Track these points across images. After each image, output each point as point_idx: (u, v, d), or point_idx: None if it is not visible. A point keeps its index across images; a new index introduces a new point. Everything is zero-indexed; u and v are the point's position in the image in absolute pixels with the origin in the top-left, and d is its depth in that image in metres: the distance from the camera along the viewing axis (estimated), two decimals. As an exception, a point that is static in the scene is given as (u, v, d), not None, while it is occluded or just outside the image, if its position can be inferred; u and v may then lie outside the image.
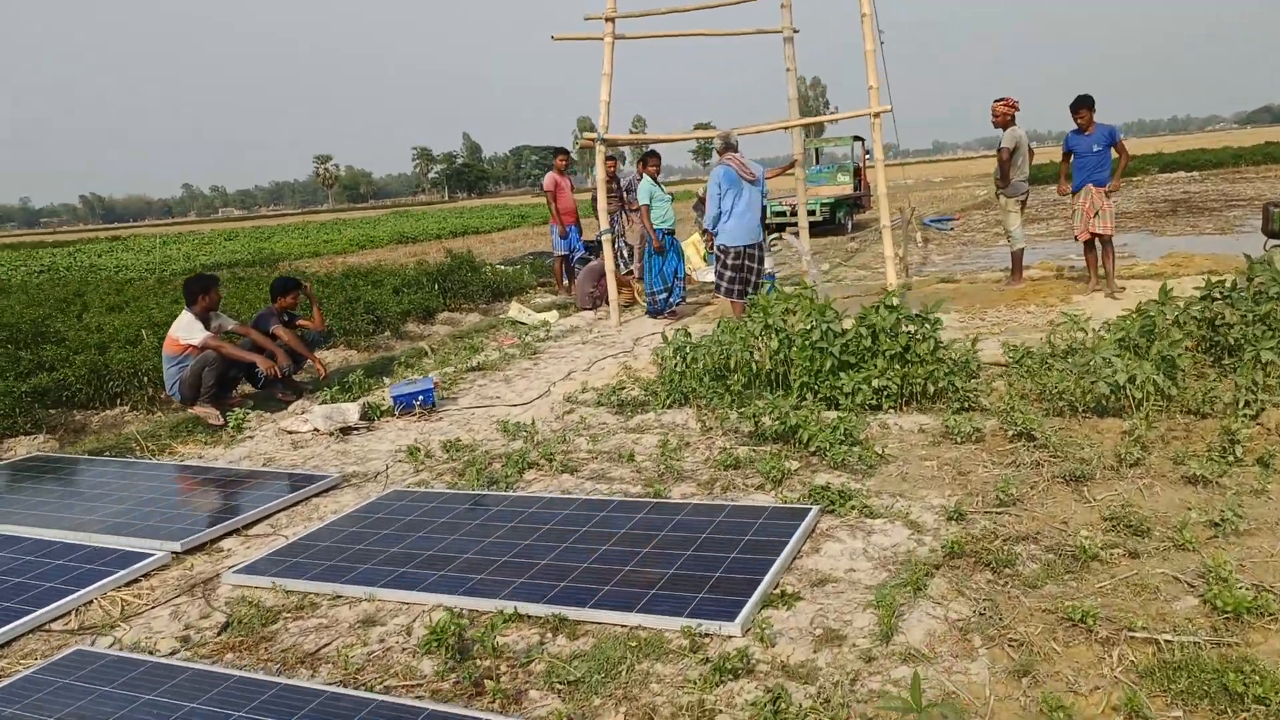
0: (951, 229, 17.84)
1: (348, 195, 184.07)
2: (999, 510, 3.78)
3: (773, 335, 5.71)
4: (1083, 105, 8.21)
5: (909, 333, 5.47)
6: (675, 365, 5.96)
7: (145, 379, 6.62)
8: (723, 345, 5.92)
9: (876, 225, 20.73)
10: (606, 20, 9.08)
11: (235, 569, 3.69)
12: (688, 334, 6.21)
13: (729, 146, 8.09)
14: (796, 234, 11.01)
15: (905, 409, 5.40)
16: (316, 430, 5.66)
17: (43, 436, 6.06)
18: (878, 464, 4.46)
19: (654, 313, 9.56)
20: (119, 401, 6.75)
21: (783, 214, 19.21)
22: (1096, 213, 8.10)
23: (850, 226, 19.40)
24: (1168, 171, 30.06)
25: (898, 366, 5.37)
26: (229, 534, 4.17)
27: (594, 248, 11.51)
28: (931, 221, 19.01)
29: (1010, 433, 4.63)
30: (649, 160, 9.49)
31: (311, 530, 4.07)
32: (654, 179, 9.49)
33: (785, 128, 9.40)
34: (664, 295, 9.47)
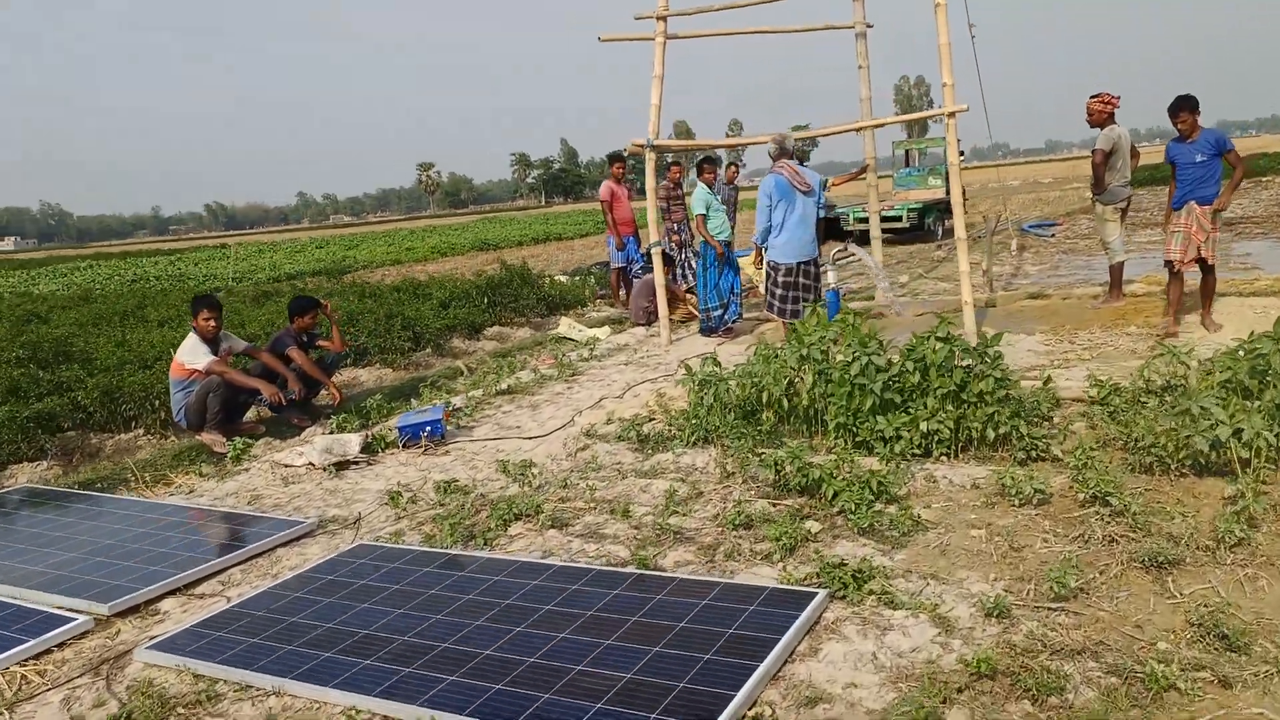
0: (1053, 235, 16.53)
1: (449, 201, 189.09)
2: (1054, 606, 3.03)
3: (809, 367, 5.02)
4: (1182, 108, 7.01)
5: (966, 367, 4.70)
6: (700, 399, 5.33)
7: (157, 402, 6.40)
8: (754, 378, 5.27)
9: (972, 232, 19.52)
10: (658, 19, 8.51)
11: (151, 643, 3.27)
12: (716, 363, 5.57)
13: (784, 152, 7.40)
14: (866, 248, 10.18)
15: (959, 457, 4.64)
16: (311, 465, 5.28)
17: (46, 463, 5.89)
18: (913, 530, 3.74)
19: (708, 330, 8.92)
20: (133, 425, 6.56)
21: (866, 220, 18.23)
22: (1206, 237, 6.95)
23: (940, 233, 18.25)
24: (1304, 170, 27.44)
25: (950, 408, 4.61)
26: (170, 593, 3.78)
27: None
28: (1031, 227, 17.70)
29: (1082, 495, 3.83)
30: (704, 167, 8.87)
31: (253, 594, 3.64)
32: (710, 186, 8.86)
33: (842, 131, 8.62)
34: (719, 312, 8.82)
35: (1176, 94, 7.06)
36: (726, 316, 8.88)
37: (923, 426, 4.56)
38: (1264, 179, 26.79)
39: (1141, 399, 5.15)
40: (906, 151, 20.94)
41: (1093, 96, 8.01)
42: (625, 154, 8.75)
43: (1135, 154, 8.21)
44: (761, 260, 7.61)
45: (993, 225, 10.09)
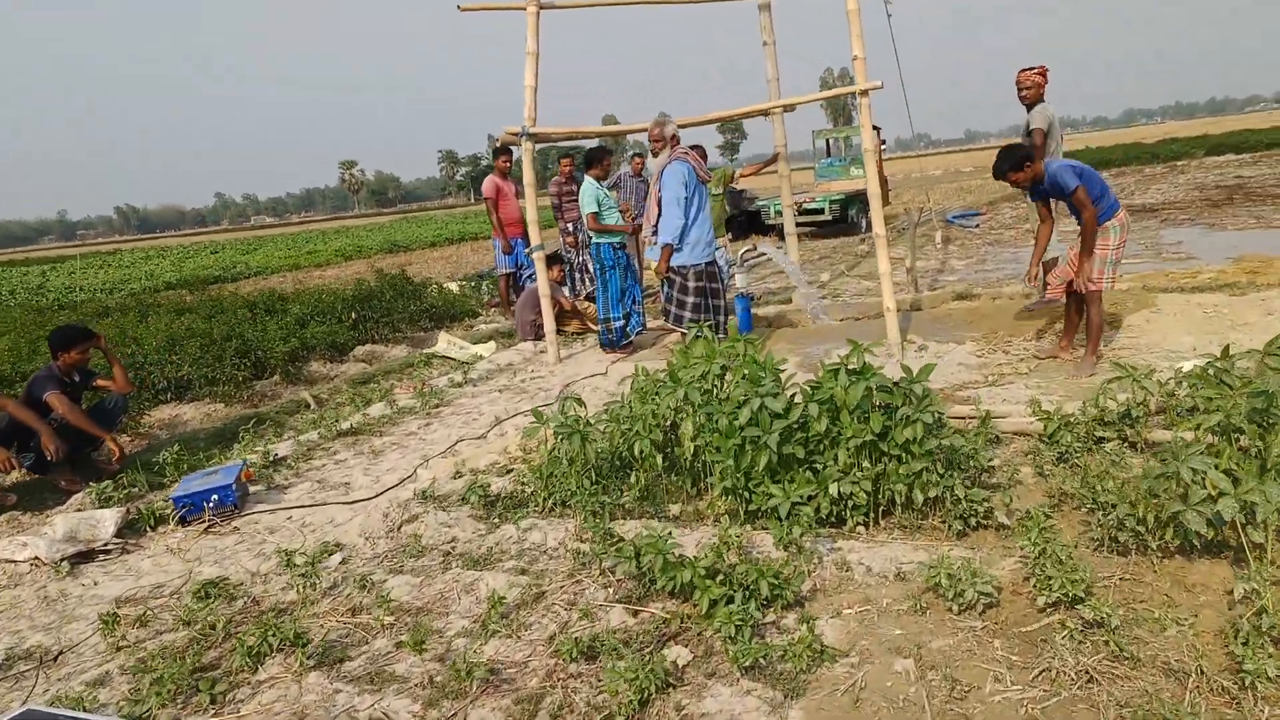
0: (978, 226, 15.86)
1: (376, 200, 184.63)
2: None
3: (690, 412, 3.93)
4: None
5: (885, 408, 3.66)
6: (557, 454, 4.18)
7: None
8: (623, 423, 4.16)
9: (895, 224, 18.82)
10: (531, -13, 7.33)
11: None
12: (579, 402, 4.43)
13: (674, 139, 6.32)
14: (780, 247, 9.20)
15: (880, 523, 3.60)
16: (37, 560, 3.98)
17: None
18: (815, 664, 2.66)
19: (608, 344, 7.80)
20: None
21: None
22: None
23: (864, 226, 17.47)
24: (1215, 155, 27.66)
25: (867, 464, 3.56)
26: None
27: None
28: (955, 218, 17.03)
29: (1042, 598, 2.81)
30: (594, 161, 7.72)
31: None
32: (599, 182, 7.73)
33: (744, 115, 7.57)
34: (620, 324, 7.70)
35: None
36: (629, 329, 7.77)
37: (832, 489, 3.50)
38: (1178, 163, 26.87)
39: (1097, 433, 4.20)
40: (828, 141, 20.14)
41: (1025, 69, 7.10)
42: (496, 141, 7.56)
43: (1061, 137, 7.33)
44: (665, 267, 6.52)
45: (915, 219, 9.18)
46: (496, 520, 4.12)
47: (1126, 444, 4.15)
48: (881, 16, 8.72)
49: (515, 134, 7.45)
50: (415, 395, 6.71)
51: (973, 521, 3.44)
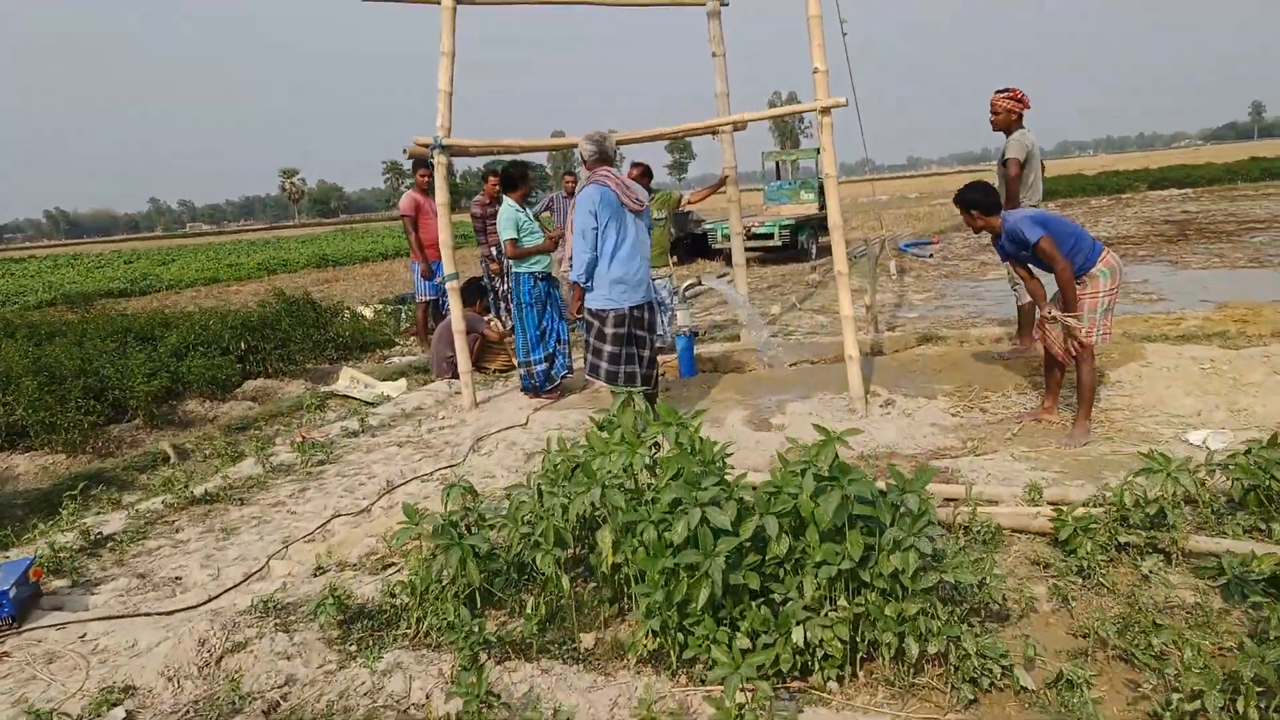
0: (930, 255, 15.27)
1: (318, 210, 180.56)
2: None
3: (609, 519, 2.98)
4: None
5: (867, 524, 2.75)
6: (431, 568, 3.17)
7: None
8: (522, 525, 3.19)
9: (849, 250, 18.20)
10: (448, -21, 6.37)
11: None
12: (469, 491, 3.44)
13: (604, 157, 5.37)
14: (725, 275, 8.33)
15: (860, 676, 2.69)
16: None
17: None
18: None
19: (529, 389, 6.82)
20: None
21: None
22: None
23: (815, 252, 16.80)
24: (1157, 189, 27.82)
25: (844, 601, 2.65)
26: None
27: (476, 288, 8.74)
28: (908, 246, 16.44)
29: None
30: (513, 180, 6.76)
31: None
32: (521, 204, 6.77)
33: (689, 132, 6.70)
34: (541, 367, 6.72)
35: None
36: (554, 371, 6.79)
37: (796, 636, 2.58)
38: (1122, 196, 26.93)
39: (1120, 536, 3.37)
40: (777, 163, 19.49)
41: (1000, 92, 6.37)
42: (406, 153, 6.56)
43: (1042, 165, 6.60)
44: (580, 307, 5.55)
45: (875, 250, 8.41)
46: (353, 648, 3.11)
47: (1159, 553, 3.32)
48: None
49: (425, 145, 6.46)
50: (294, 449, 5.63)
51: (985, 682, 2.55)
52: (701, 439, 3.10)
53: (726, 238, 16.67)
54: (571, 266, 5.40)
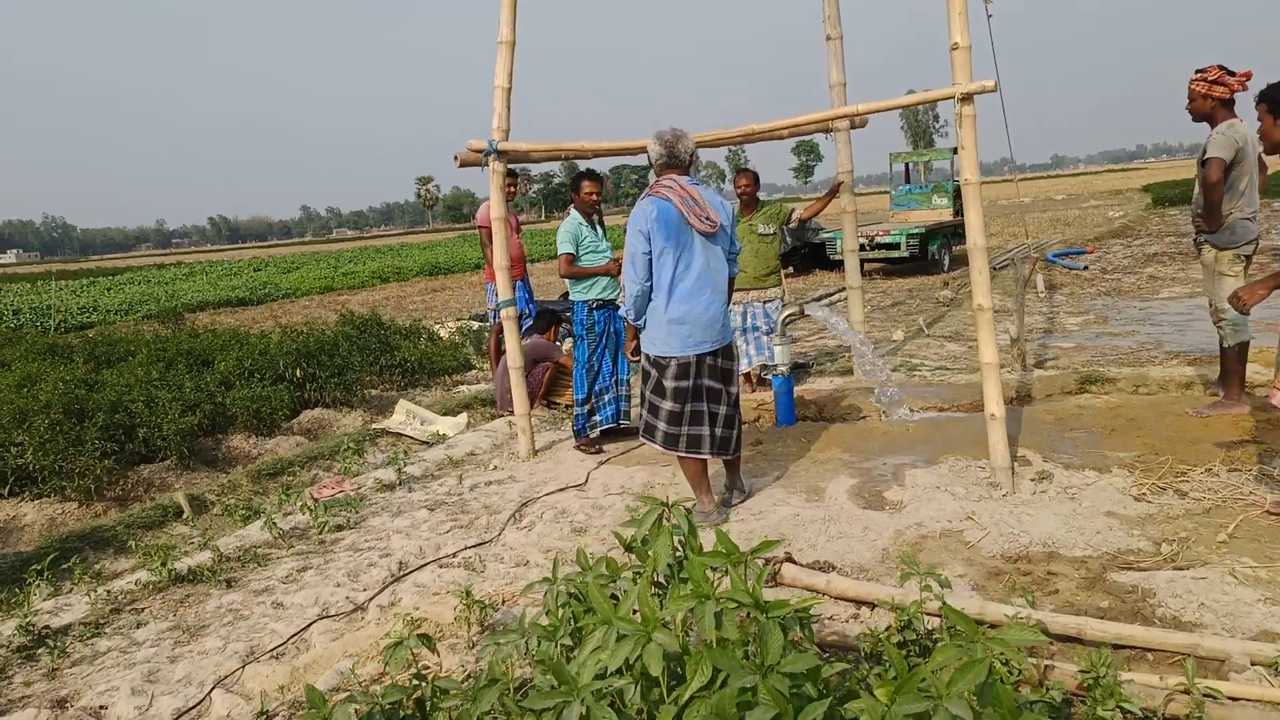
0: (1085, 268, 13.39)
1: (451, 215, 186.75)
2: None
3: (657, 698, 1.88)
4: (1259, 103, 3.77)
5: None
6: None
7: None
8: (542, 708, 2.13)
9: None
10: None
11: None
12: (473, 605, 2.40)
13: (672, 161, 4.26)
14: (832, 299, 7.09)
15: None
16: None
17: None
18: None
19: (578, 433, 5.82)
20: None
21: (862, 248, 15.10)
22: None
23: (948, 264, 15.13)
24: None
25: None
26: None
27: (548, 315, 7.81)
28: (1057, 257, 14.56)
29: None
30: (580, 185, 5.76)
31: None
32: (586, 214, 5.77)
33: (793, 129, 5.48)
34: (584, 411, 5.70)
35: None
36: (598, 418, 5.74)
37: None
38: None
39: None
40: (906, 165, 17.83)
41: (1198, 74, 4.89)
42: (457, 160, 5.63)
43: (1262, 165, 5.06)
44: (636, 349, 4.46)
45: (1025, 272, 6.95)
46: None
47: None
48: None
49: (479, 151, 5.54)
50: (311, 508, 4.79)
51: None
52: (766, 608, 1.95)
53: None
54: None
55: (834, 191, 6.72)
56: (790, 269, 16.86)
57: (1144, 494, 4.17)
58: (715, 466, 4.57)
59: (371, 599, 3.75)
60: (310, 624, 3.55)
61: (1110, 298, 10.53)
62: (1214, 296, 4.99)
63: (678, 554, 2.44)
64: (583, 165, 6.41)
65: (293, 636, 3.44)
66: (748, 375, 6.94)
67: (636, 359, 4.51)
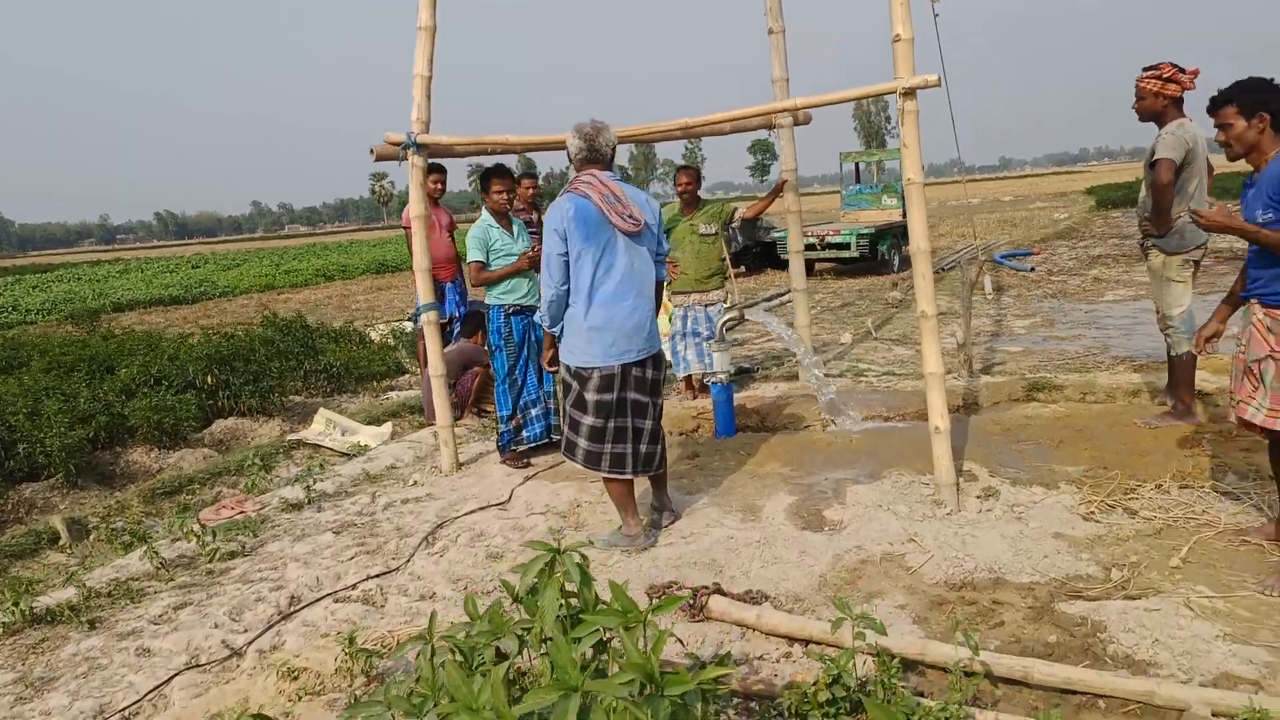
0: (1032, 269, 13.36)
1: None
2: None
3: None
4: (1226, 101, 3.25)
5: None
6: None
7: None
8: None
9: (933, 258, 16.29)
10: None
11: None
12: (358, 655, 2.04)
13: (594, 156, 3.93)
14: (781, 300, 6.83)
15: None
16: None
17: None
18: None
19: (502, 449, 5.45)
20: None
21: (812, 247, 14.96)
22: (1261, 376, 3.23)
23: (898, 264, 15.01)
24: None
25: None
26: None
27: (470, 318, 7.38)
28: (1004, 258, 14.53)
29: None
30: (489, 184, 5.37)
31: None
32: (497, 214, 5.40)
33: (733, 122, 5.17)
34: (510, 428, 5.34)
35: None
36: (525, 435, 5.38)
37: None
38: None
39: None
40: (857, 165, 17.71)
41: (1146, 70, 4.69)
42: (372, 154, 5.22)
43: (1209, 167, 4.88)
44: (554, 358, 4.13)
45: (973, 274, 6.73)
46: None
47: None
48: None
49: (396, 144, 5.15)
50: (198, 534, 4.35)
51: None
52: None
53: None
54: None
55: (778, 190, 6.44)
56: (742, 268, 16.63)
57: (1093, 513, 3.94)
58: (643, 484, 4.25)
59: (250, 643, 3.35)
60: (172, 676, 3.14)
61: (1057, 300, 10.44)
62: (1162, 303, 4.80)
63: (572, 605, 2.11)
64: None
65: (149, 693, 3.04)
66: (689, 381, 6.65)
67: (554, 369, 4.17)
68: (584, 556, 2.16)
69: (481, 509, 4.67)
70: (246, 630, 3.47)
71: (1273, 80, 3.22)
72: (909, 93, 4.04)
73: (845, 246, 14.39)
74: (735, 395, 6.52)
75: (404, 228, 7.54)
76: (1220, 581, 3.26)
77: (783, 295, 12.51)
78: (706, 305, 6.42)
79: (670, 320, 6.68)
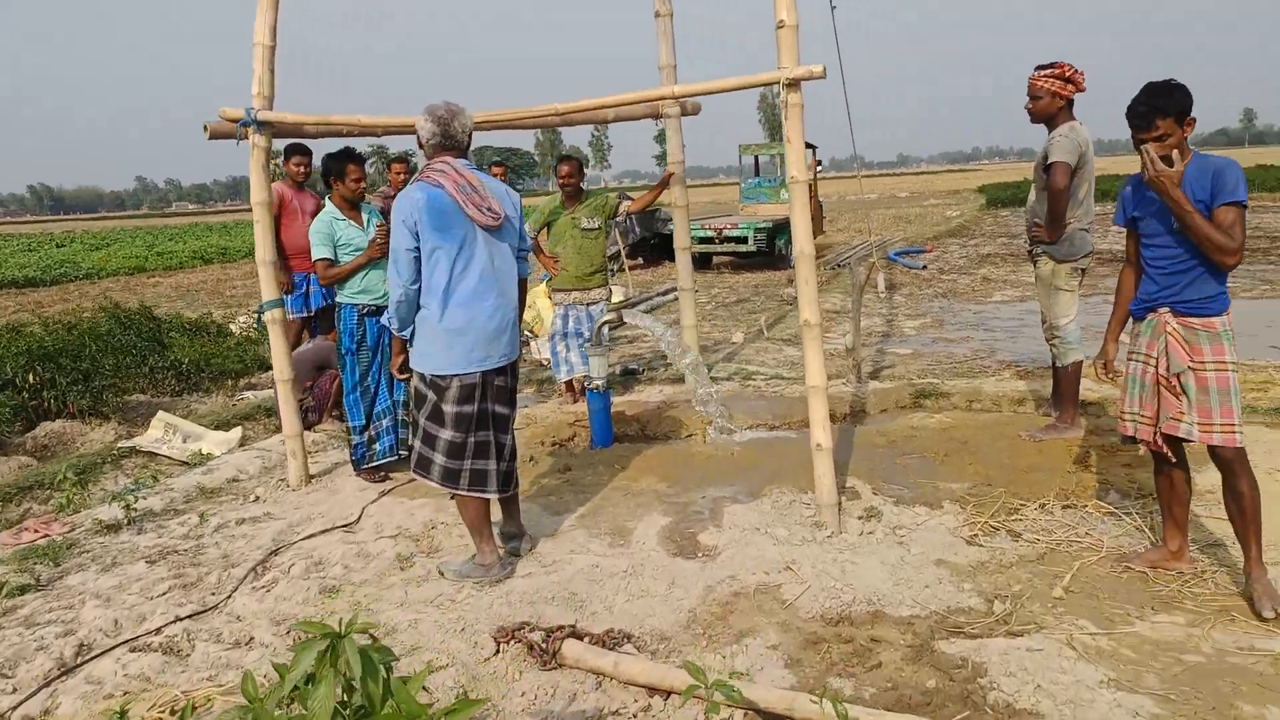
0: (924, 267, 13.49)
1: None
2: None
3: None
4: (1157, 112, 2.97)
5: None
6: None
7: None
8: None
9: (826, 254, 16.31)
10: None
11: None
12: None
13: (449, 142, 3.50)
14: (665, 298, 6.56)
15: None
16: None
17: None
18: None
19: (356, 463, 4.96)
20: None
21: (710, 240, 14.79)
22: (1183, 389, 3.07)
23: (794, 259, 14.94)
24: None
25: None
26: None
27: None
28: (898, 255, 14.66)
29: None
30: (348, 167, 4.85)
31: None
32: (348, 205, 4.90)
33: (616, 109, 4.81)
34: (363, 440, 4.86)
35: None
36: (378, 448, 4.91)
37: None
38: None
39: None
40: (756, 158, 17.63)
41: (1041, 69, 4.53)
42: (206, 131, 4.63)
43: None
44: (403, 363, 3.69)
45: (861, 278, 6.55)
46: None
47: None
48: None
49: (234, 120, 4.58)
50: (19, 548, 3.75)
51: None
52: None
53: (697, 240, 14.85)
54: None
55: (665, 183, 6.11)
56: (640, 260, 16.35)
57: (976, 535, 3.76)
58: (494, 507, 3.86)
59: (16, 707, 2.82)
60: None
61: (947, 299, 10.49)
62: (1049, 312, 4.67)
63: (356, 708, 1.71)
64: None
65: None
66: (570, 384, 6.28)
67: (405, 376, 3.73)
68: (373, 638, 1.76)
69: (325, 531, 4.19)
70: (15, 690, 2.93)
71: (1170, 81, 3.03)
72: (793, 84, 3.75)
73: (743, 240, 14.25)
74: (619, 399, 6.20)
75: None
76: (1102, 614, 3.10)
77: (666, 293, 12.26)
78: (589, 304, 6.05)
79: (551, 320, 6.30)
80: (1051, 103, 4.46)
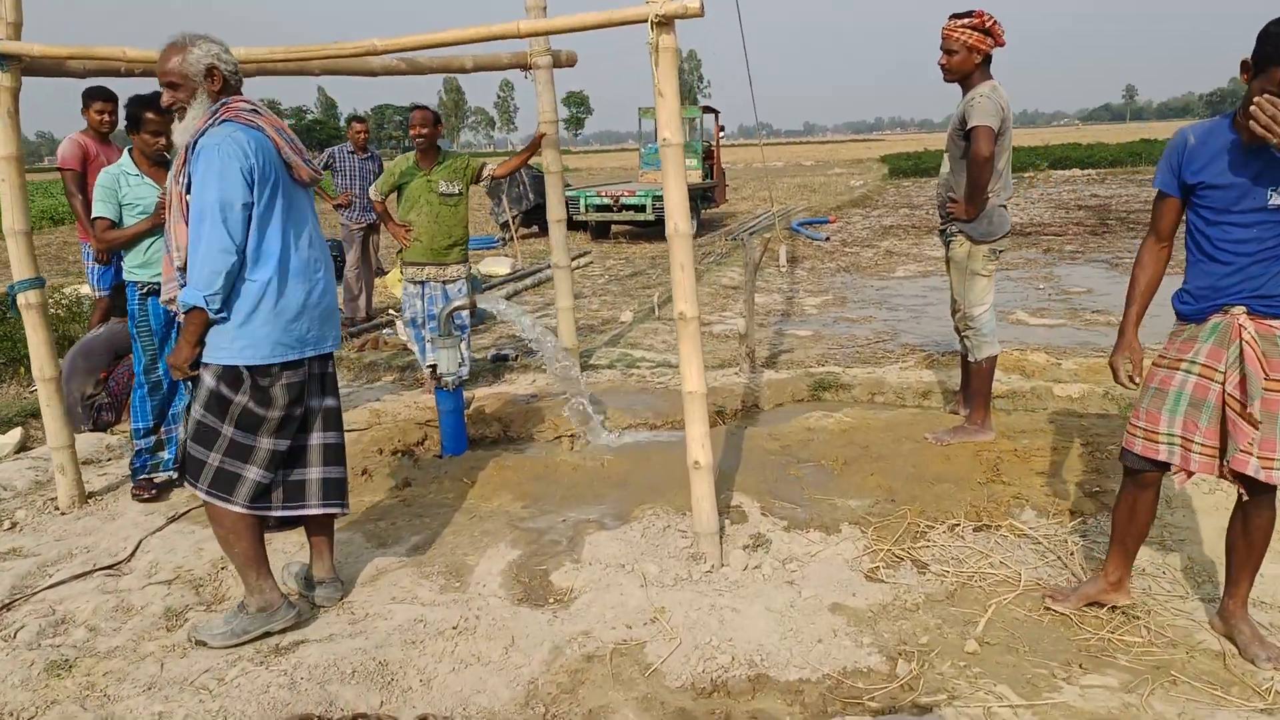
0: (827, 239, 13.06)
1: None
2: None
3: None
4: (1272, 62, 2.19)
5: None
6: None
7: None
8: None
9: (729, 224, 15.77)
10: None
11: None
12: None
13: (237, 82, 2.68)
14: (545, 269, 5.85)
15: None
16: None
17: None
18: None
19: (133, 474, 4.08)
20: None
21: (607, 209, 14.03)
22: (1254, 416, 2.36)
23: (697, 229, 14.35)
24: (1060, 168, 26.59)
25: None
26: None
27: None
28: (801, 226, 14.20)
29: None
30: (139, 118, 3.91)
31: None
32: (148, 160, 3.98)
33: (445, 47, 3.98)
34: (148, 444, 3.99)
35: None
36: (167, 456, 4.05)
37: None
38: (1025, 174, 25.42)
39: None
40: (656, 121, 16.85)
41: (956, 18, 3.92)
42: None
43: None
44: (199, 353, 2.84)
45: (756, 257, 5.91)
46: None
47: None
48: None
49: (-32, 51, 3.57)
50: None
51: None
52: None
53: (593, 208, 14.08)
54: (182, 285, 2.69)
55: (535, 145, 5.32)
56: (535, 228, 15.45)
57: (877, 568, 3.18)
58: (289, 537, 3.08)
59: None
60: None
61: (849, 274, 10.04)
62: (963, 300, 4.12)
63: None
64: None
65: None
66: (434, 370, 5.48)
67: (194, 374, 2.82)
68: None
69: (82, 575, 3.32)
70: None
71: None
72: (664, 22, 3.03)
73: (641, 209, 13.53)
74: (484, 390, 5.45)
75: (62, 170, 5.80)
76: (1023, 674, 2.56)
77: (580, 257, 11.49)
78: (446, 283, 5.25)
79: (403, 299, 5.48)
80: (968, 58, 3.86)
